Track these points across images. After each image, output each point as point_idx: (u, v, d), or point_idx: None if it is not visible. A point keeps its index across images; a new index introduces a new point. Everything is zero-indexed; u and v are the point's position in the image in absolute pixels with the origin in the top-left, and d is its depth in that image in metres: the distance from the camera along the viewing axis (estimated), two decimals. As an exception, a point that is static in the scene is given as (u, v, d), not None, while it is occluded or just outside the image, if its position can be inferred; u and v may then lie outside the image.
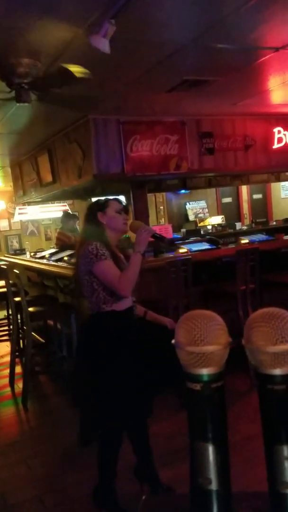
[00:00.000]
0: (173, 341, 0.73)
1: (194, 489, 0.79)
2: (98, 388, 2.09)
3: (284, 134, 5.68)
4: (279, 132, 5.66)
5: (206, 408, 0.75)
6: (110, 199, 2.32)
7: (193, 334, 0.73)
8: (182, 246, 4.84)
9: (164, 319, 2.40)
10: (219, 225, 8.36)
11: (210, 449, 0.77)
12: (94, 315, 2.20)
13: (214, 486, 0.76)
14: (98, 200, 2.37)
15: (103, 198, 2.36)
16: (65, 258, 4.71)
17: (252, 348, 0.70)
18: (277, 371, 0.70)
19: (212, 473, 0.76)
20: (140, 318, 2.38)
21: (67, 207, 8.27)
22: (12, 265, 5.53)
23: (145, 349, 2.14)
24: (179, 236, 6.98)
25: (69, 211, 7.66)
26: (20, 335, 4.59)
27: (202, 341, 0.72)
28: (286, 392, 0.70)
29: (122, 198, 5.68)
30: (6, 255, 7.46)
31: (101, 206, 2.27)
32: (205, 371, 0.72)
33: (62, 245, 5.84)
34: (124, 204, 2.35)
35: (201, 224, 8.76)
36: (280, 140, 5.66)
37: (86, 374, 2.14)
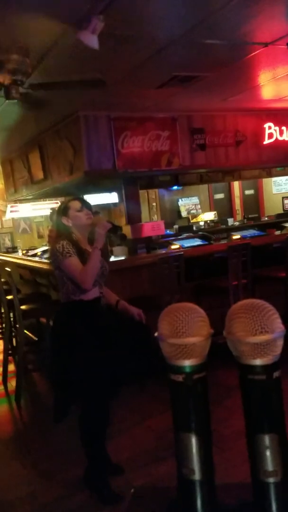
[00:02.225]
0: (156, 334, 0.74)
1: (179, 479, 0.80)
2: (68, 369, 2.29)
3: (275, 130, 5.69)
4: (269, 127, 5.67)
5: (189, 399, 0.75)
6: (70, 201, 2.53)
7: (175, 326, 0.73)
8: (174, 242, 4.86)
9: (133, 310, 2.56)
10: (211, 221, 8.37)
11: (193, 439, 0.77)
12: (65, 303, 2.42)
13: (197, 476, 0.77)
14: (61, 204, 2.59)
15: (65, 201, 2.57)
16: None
17: (233, 339, 0.71)
18: (258, 362, 0.70)
19: (195, 464, 0.77)
20: (110, 307, 2.56)
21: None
22: (4, 263, 5.50)
23: (112, 336, 2.35)
24: (172, 232, 6.98)
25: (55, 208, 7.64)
26: (13, 333, 4.57)
27: (184, 333, 0.73)
28: (267, 382, 0.71)
29: (114, 196, 5.67)
30: (-2, 253, 7.43)
31: (63, 211, 2.48)
32: (187, 363, 0.73)
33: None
34: (83, 201, 2.53)
35: (194, 220, 8.76)
36: (270, 135, 5.68)
37: (59, 358, 2.35)
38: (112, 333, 2.38)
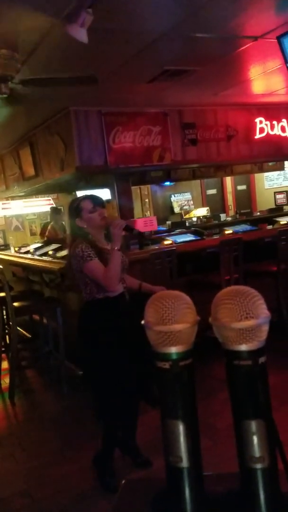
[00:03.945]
0: (142, 322, 0.74)
1: (166, 467, 0.80)
2: (93, 366, 2.39)
3: (266, 124, 5.71)
4: (260, 122, 5.68)
5: (175, 386, 0.75)
6: (82, 201, 2.43)
7: (161, 313, 0.73)
8: (167, 238, 4.86)
9: (156, 288, 2.52)
10: (204, 216, 8.38)
11: (180, 426, 0.78)
12: (90, 301, 2.41)
13: (184, 463, 0.77)
14: (72, 203, 2.47)
15: (76, 200, 2.48)
16: (50, 252, 4.68)
17: (218, 325, 0.71)
18: (243, 347, 0.71)
19: (183, 451, 0.77)
20: (134, 293, 2.55)
21: (52, 201, 8.23)
22: (-4, 261, 5.48)
23: (135, 332, 2.30)
24: (164, 228, 6.98)
25: (54, 205, 7.69)
26: (6, 331, 4.56)
27: (170, 320, 0.73)
28: (252, 367, 0.71)
29: (106, 192, 5.66)
30: (-10, 251, 7.39)
31: (76, 212, 2.41)
32: (173, 350, 0.73)
33: (49, 239, 6.01)
34: (96, 199, 2.43)
35: (187, 216, 8.77)
36: (261, 130, 5.69)
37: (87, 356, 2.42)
38: (134, 330, 2.40)
